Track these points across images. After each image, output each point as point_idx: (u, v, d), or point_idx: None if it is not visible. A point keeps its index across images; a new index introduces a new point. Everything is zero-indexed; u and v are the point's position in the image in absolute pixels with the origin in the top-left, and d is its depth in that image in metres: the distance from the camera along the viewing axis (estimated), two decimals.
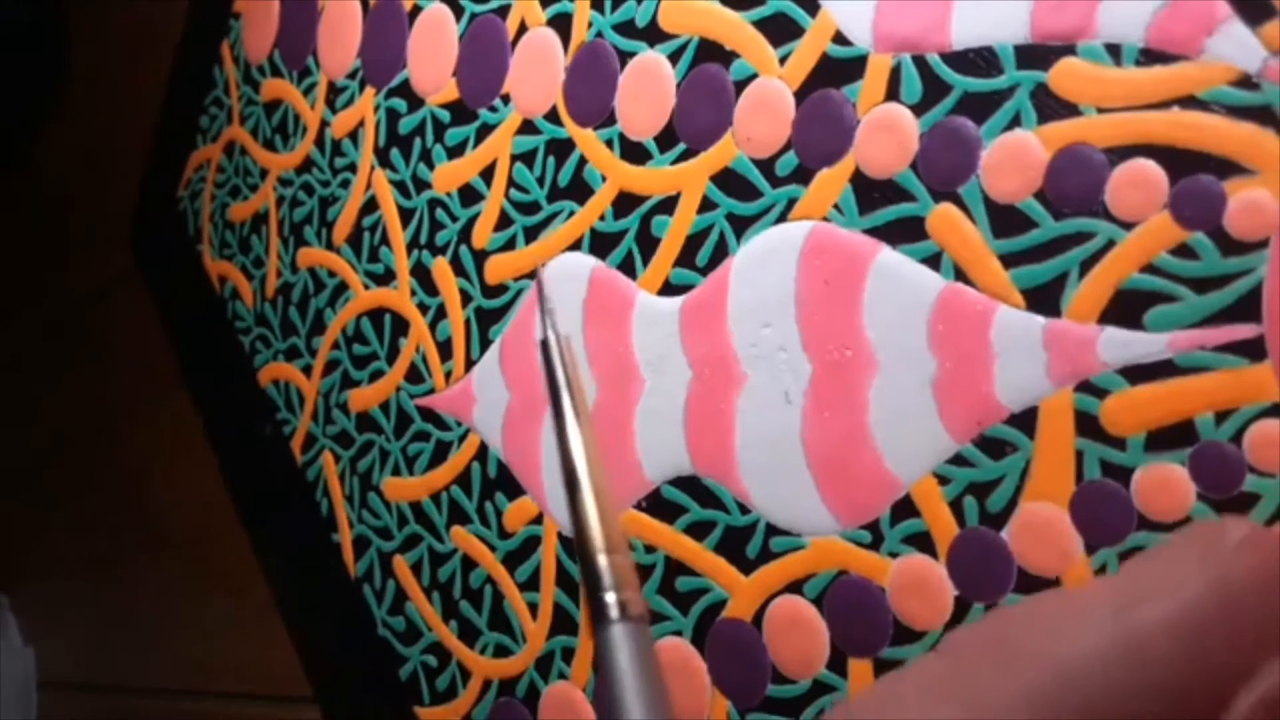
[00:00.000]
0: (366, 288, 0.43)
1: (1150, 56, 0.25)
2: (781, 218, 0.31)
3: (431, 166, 0.41)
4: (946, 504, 0.27)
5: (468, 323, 0.39)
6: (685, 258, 0.33)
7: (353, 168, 0.44)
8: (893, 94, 0.29)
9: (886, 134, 0.29)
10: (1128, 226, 0.25)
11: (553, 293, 0.25)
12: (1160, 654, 0.14)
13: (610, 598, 0.20)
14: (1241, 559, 0.15)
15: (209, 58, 0.54)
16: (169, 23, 0.58)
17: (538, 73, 0.37)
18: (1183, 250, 0.24)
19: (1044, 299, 0.26)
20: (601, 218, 0.35)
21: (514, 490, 0.37)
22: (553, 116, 0.37)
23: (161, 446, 0.60)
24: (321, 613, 0.46)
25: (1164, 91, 0.25)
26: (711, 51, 0.33)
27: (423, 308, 0.41)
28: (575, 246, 0.36)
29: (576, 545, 0.21)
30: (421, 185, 0.41)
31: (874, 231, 0.29)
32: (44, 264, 0.74)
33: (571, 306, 0.35)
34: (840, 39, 0.30)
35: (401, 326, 0.42)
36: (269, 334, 0.49)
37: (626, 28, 0.35)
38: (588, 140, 0.36)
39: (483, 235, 0.39)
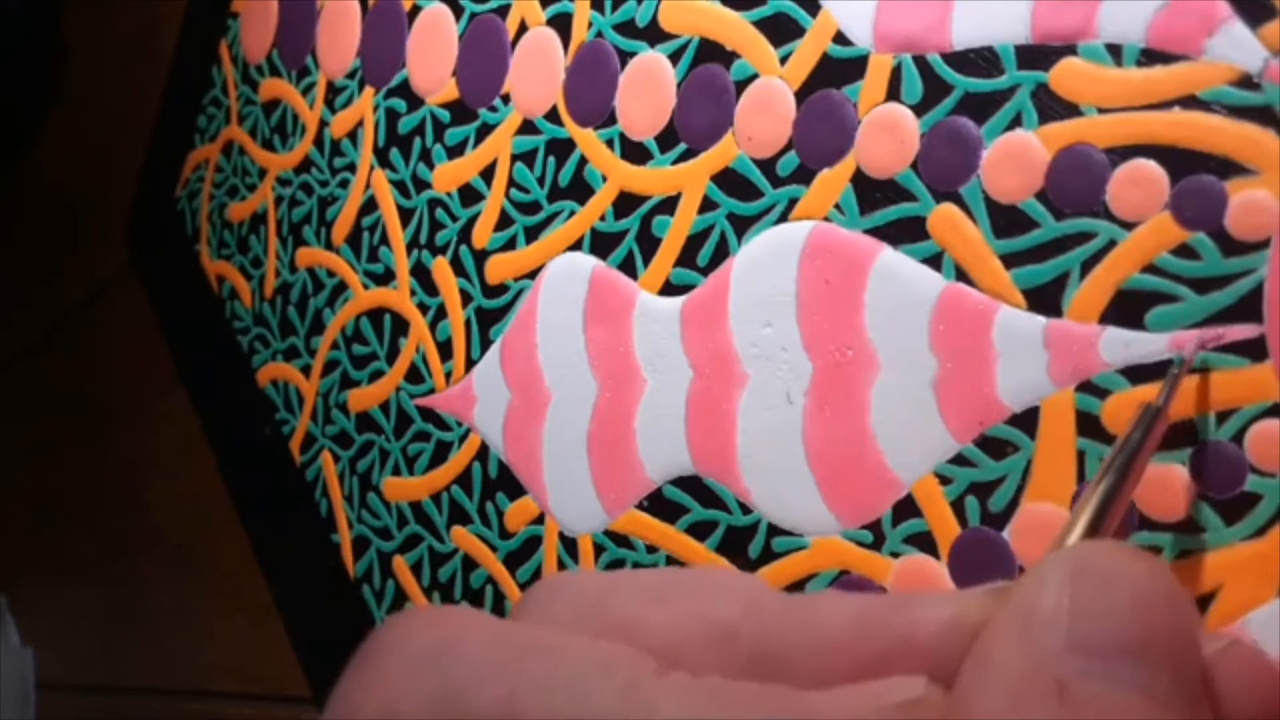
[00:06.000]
0: (366, 288, 0.43)
1: (1151, 57, 0.25)
2: (782, 218, 0.31)
3: (431, 166, 0.41)
4: (948, 504, 0.27)
5: (468, 323, 0.39)
6: (686, 258, 0.33)
7: (352, 167, 0.44)
8: (894, 94, 0.29)
9: (887, 134, 0.29)
10: (1129, 226, 0.25)
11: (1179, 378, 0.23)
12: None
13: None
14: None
15: (207, 57, 0.54)
16: (167, 22, 0.58)
17: (538, 73, 0.37)
18: (1184, 250, 0.24)
19: (1045, 299, 0.26)
20: (602, 218, 0.35)
21: (515, 490, 0.37)
22: (553, 116, 0.37)
23: (160, 446, 0.60)
24: (321, 613, 0.46)
25: (1165, 91, 0.25)
26: (712, 51, 0.33)
27: (423, 308, 0.41)
28: (576, 246, 0.36)
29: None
30: (421, 185, 0.41)
31: (875, 231, 0.29)
32: (42, 263, 0.74)
33: (572, 307, 0.35)
34: (841, 39, 0.30)
35: (401, 326, 0.42)
36: (267, 334, 0.49)
37: (627, 28, 0.35)
38: (588, 140, 0.36)
39: (483, 235, 0.39)
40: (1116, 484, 0.19)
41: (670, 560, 0.33)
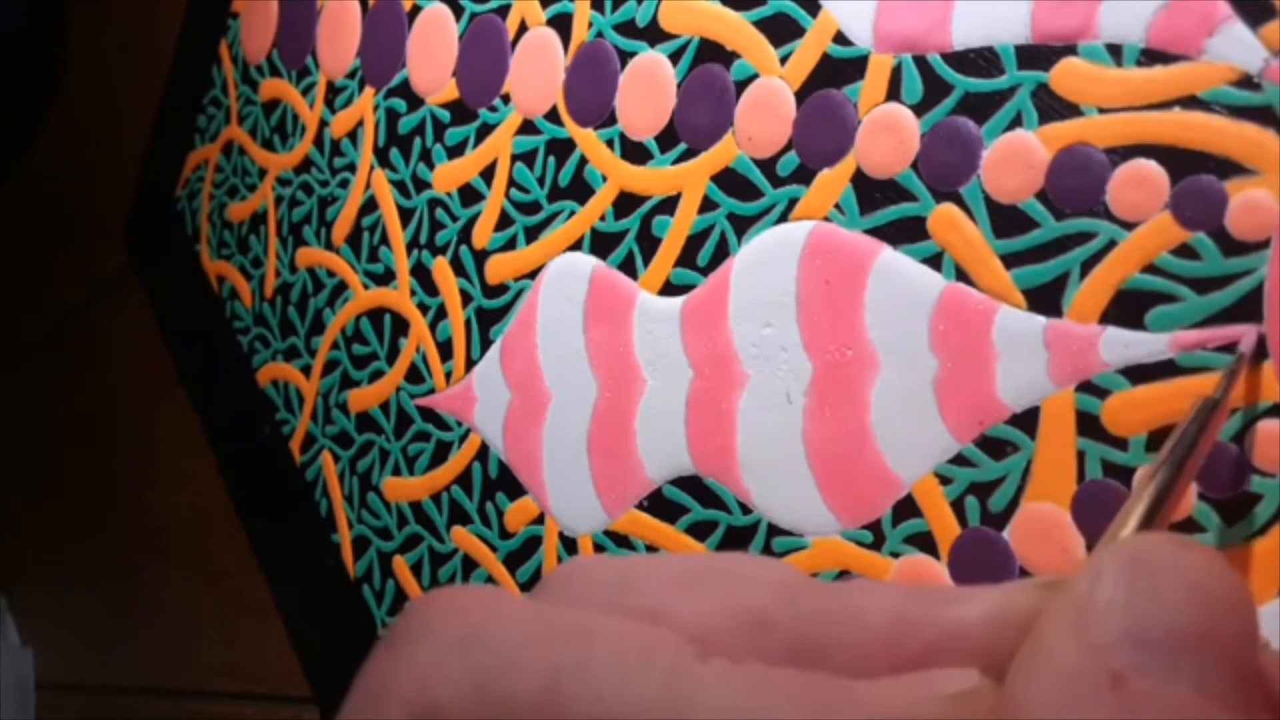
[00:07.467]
0: (366, 288, 0.43)
1: (1151, 57, 0.25)
2: (782, 218, 0.31)
3: (431, 166, 0.41)
4: (948, 504, 0.27)
5: (468, 323, 0.39)
6: (686, 258, 0.33)
7: (352, 167, 0.44)
8: (894, 94, 0.29)
9: (887, 134, 0.29)
10: (1129, 226, 0.25)
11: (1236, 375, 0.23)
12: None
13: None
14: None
15: (207, 57, 0.54)
16: (168, 22, 0.58)
17: (538, 73, 0.37)
18: (1184, 250, 0.24)
19: (1045, 299, 0.26)
20: (602, 218, 0.35)
21: (515, 490, 0.37)
22: (553, 116, 0.37)
23: (160, 447, 0.60)
24: (321, 613, 0.46)
25: (1165, 91, 0.25)
26: (712, 51, 0.33)
27: (423, 308, 0.41)
28: (576, 246, 0.36)
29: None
30: (421, 185, 0.41)
31: (875, 231, 0.29)
32: (41, 264, 0.74)
33: (572, 307, 0.35)
34: (841, 39, 0.30)
35: (401, 326, 0.42)
36: (268, 334, 0.49)
37: (627, 28, 0.35)
38: (588, 140, 0.36)
39: (483, 235, 0.39)
40: (1172, 477, 0.19)
41: None
